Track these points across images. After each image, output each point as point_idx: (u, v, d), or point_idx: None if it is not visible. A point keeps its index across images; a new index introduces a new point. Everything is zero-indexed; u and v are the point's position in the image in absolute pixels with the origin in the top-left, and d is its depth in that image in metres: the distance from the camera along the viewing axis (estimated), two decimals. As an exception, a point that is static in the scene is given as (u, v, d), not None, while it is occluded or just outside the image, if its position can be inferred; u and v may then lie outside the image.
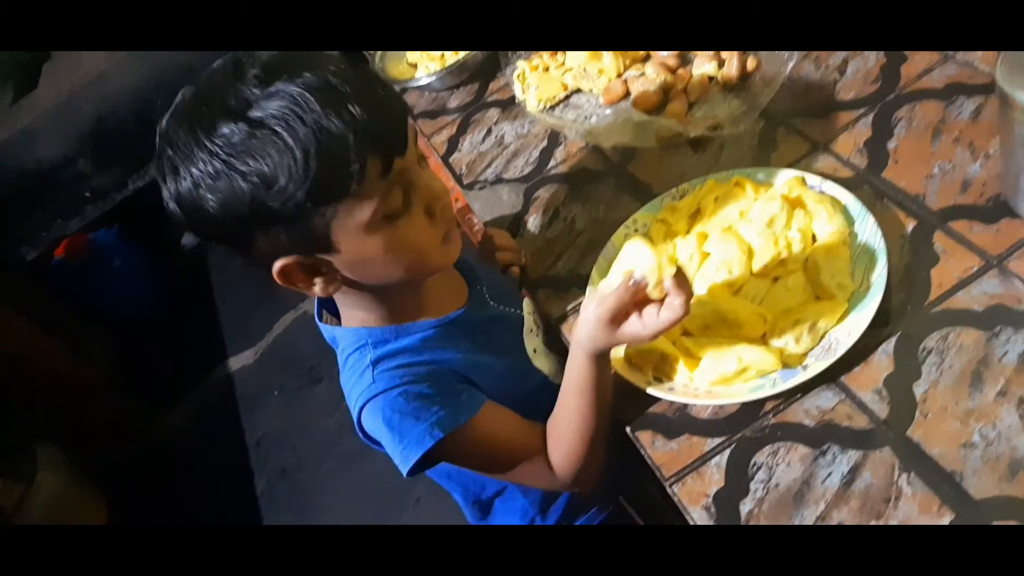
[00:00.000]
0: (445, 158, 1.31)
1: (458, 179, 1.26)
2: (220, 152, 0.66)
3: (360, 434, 0.85)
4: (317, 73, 0.67)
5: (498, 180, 1.22)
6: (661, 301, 0.74)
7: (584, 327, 0.78)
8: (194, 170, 0.67)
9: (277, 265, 0.73)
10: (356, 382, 0.83)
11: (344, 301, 0.85)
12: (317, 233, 0.71)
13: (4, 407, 2.25)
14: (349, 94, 0.67)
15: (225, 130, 0.66)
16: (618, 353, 0.88)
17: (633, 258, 0.75)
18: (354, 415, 0.83)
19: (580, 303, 0.97)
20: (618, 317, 0.76)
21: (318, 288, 0.77)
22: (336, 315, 0.89)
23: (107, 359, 2.74)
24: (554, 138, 1.24)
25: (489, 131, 1.32)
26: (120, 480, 2.40)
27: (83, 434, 2.43)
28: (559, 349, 1.01)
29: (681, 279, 0.72)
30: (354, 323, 0.86)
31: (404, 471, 0.80)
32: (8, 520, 2.05)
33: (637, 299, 0.75)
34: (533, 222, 1.13)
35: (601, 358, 0.80)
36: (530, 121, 1.29)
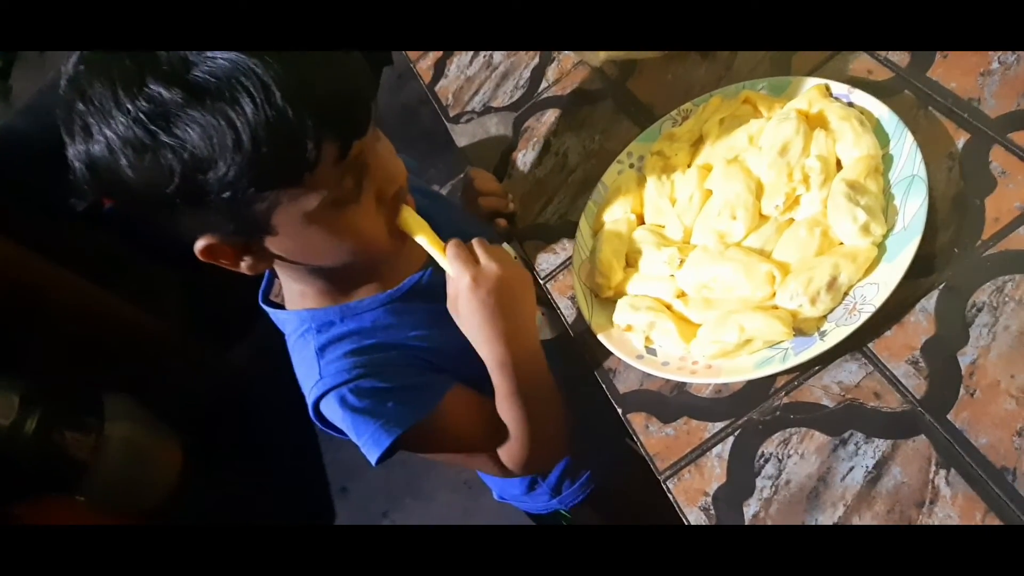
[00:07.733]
0: (431, 87, 1.17)
1: (444, 111, 1.12)
2: (146, 118, 0.55)
3: (318, 424, 0.77)
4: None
5: (486, 109, 1.07)
6: None
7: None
8: (110, 133, 0.56)
9: (201, 243, 0.63)
10: (305, 373, 0.76)
11: (282, 274, 0.76)
12: (253, 217, 0.61)
13: (71, 364, 2.29)
14: (309, 65, 0.57)
15: (155, 91, 0.54)
16: (604, 322, 0.76)
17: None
18: (309, 408, 0.76)
19: (570, 257, 0.84)
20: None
21: (245, 266, 0.67)
22: None
23: (176, 304, 2.76)
24: (546, 54, 1.07)
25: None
26: (192, 421, 2.44)
27: (157, 380, 2.47)
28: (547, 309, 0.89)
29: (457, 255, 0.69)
30: (296, 303, 0.78)
31: (372, 462, 0.74)
32: (86, 471, 2.13)
33: None
34: (522, 159, 0.99)
35: (505, 364, 0.73)
36: (520, 35, 1.12)
